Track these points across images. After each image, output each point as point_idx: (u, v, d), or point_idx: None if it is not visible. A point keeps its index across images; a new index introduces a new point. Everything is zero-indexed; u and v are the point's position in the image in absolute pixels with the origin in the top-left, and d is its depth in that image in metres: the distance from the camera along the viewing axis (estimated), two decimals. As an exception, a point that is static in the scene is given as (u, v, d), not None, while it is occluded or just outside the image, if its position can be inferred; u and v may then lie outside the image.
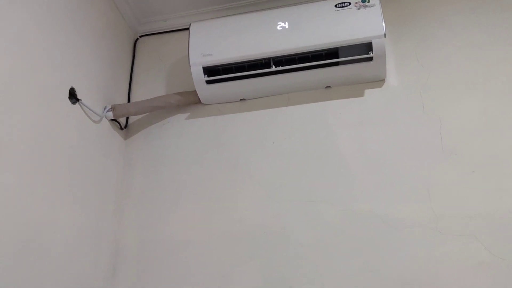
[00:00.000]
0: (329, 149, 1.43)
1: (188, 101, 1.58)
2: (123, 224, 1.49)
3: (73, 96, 1.33)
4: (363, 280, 1.24)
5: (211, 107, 1.60)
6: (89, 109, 1.40)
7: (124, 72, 1.71)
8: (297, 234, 1.34)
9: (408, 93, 1.46)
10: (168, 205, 1.48)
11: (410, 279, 1.22)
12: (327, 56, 1.42)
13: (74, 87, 1.34)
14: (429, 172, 1.33)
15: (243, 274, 1.32)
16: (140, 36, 1.83)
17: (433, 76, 1.47)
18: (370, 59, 1.39)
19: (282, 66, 1.44)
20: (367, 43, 1.37)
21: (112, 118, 1.52)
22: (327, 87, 1.53)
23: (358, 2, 1.40)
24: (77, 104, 1.35)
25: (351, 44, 1.38)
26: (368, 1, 1.39)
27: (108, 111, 1.50)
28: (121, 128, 1.62)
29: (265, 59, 1.44)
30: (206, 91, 1.52)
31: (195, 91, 1.55)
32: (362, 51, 1.39)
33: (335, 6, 1.41)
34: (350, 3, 1.41)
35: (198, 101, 1.59)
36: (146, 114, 1.65)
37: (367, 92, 1.49)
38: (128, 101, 1.70)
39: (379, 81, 1.50)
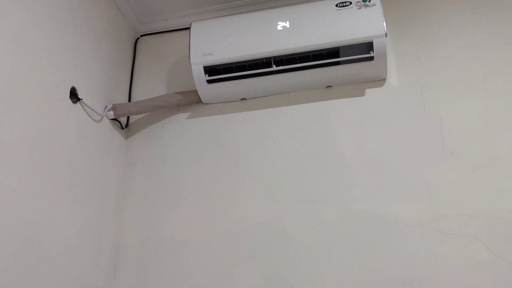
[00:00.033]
0: (329, 149, 1.43)
1: (189, 101, 1.58)
2: (124, 223, 1.49)
3: (74, 95, 1.34)
4: (364, 280, 1.24)
5: (212, 107, 1.61)
6: (90, 108, 1.40)
7: (125, 71, 1.71)
8: (297, 233, 1.34)
9: (408, 92, 1.46)
10: (169, 205, 1.48)
11: (410, 279, 1.22)
12: (328, 56, 1.41)
13: (75, 86, 1.34)
14: (429, 172, 1.33)
15: (244, 274, 1.33)
16: (141, 36, 1.83)
17: (434, 76, 1.46)
18: (371, 58, 1.39)
19: (282, 65, 1.43)
20: (368, 42, 1.37)
21: (113, 117, 1.52)
22: (327, 86, 1.53)
23: (359, 1, 1.40)
24: (78, 103, 1.35)
25: (352, 43, 1.37)
26: (369, 1, 1.39)
27: (109, 110, 1.50)
28: (122, 128, 1.62)
29: (265, 58, 1.44)
30: (207, 90, 1.52)
31: (195, 90, 1.55)
32: (363, 50, 1.39)
33: (336, 5, 1.41)
34: (351, 3, 1.40)
35: (198, 101, 1.59)
36: (146, 113, 1.65)
37: (368, 91, 1.49)
38: (129, 100, 1.70)
39: (380, 81, 1.50)
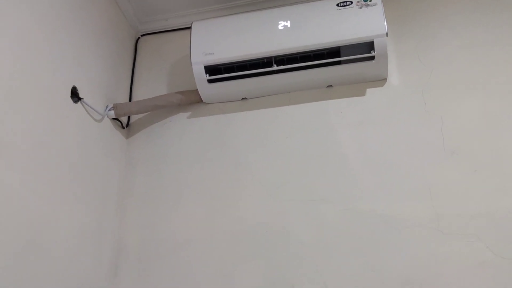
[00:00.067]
0: (330, 149, 1.43)
1: (190, 100, 1.58)
2: (125, 223, 1.49)
3: (75, 95, 1.34)
4: (365, 279, 1.24)
5: (213, 106, 1.61)
6: (91, 108, 1.40)
7: (126, 71, 1.71)
8: (298, 233, 1.34)
9: (409, 92, 1.46)
10: (170, 204, 1.48)
11: (411, 278, 1.22)
12: (329, 55, 1.41)
13: (76, 86, 1.34)
14: (430, 172, 1.33)
15: (245, 273, 1.33)
16: (142, 35, 1.83)
17: (434, 75, 1.46)
18: (372, 58, 1.39)
19: (283, 65, 1.43)
20: (369, 42, 1.37)
21: (114, 117, 1.52)
22: (328, 86, 1.53)
23: (360, 1, 1.40)
24: (79, 103, 1.36)
25: (353, 43, 1.37)
26: (370, 0, 1.39)
27: (109, 110, 1.50)
28: (123, 127, 1.62)
29: (266, 58, 1.44)
30: (207, 90, 1.53)
31: (196, 90, 1.55)
32: (364, 50, 1.39)
33: (337, 5, 1.41)
34: (352, 2, 1.40)
35: (199, 100, 1.59)
36: (147, 113, 1.65)
37: (369, 91, 1.49)
38: (130, 100, 1.70)
39: (380, 80, 1.50)
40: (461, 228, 1.24)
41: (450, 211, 1.27)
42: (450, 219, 1.26)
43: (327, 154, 1.43)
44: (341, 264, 1.28)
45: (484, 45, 1.47)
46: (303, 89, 1.54)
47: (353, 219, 1.32)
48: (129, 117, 1.66)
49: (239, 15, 1.51)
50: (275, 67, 1.44)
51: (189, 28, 1.64)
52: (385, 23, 1.36)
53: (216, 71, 1.48)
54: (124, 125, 1.62)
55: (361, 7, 1.39)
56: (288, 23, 1.43)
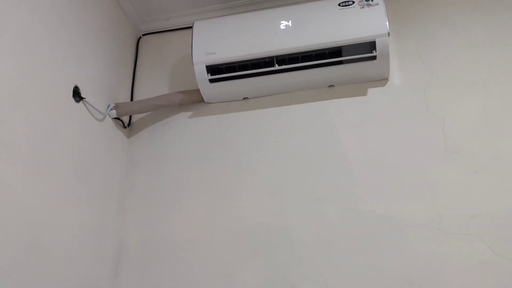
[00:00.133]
0: (332, 148, 1.43)
1: (191, 100, 1.58)
2: (126, 222, 1.49)
3: (77, 94, 1.34)
4: (365, 279, 1.25)
5: (214, 106, 1.61)
6: (92, 107, 1.40)
7: (127, 70, 1.71)
8: (299, 233, 1.34)
9: (411, 92, 1.46)
10: (171, 204, 1.48)
11: (412, 278, 1.22)
12: (331, 55, 1.41)
13: (78, 85, 1.34)
14: (431, 171, 1.33)
15: (245, 273, 1.33)
16: (143, 35, 1.83)
17: (436, 75, 1.46)
18: (374, 58, 1.39)
19: (285, 65, 1.44)
20: (370, 42, 1.37)
21: (116, 116, 1.52)
22: (330, 86, 1.53)
23: (362, 1, 1.40)
24: (80, 102, 1.36)
25: (354, 43, 1.38)
26: (372, 0, 1.39)
27: (111, 109, 1.50)
28: (124, 127, 1.62)
29: (268, 57, 1.44)
30: (209, 89, 1.53)
31: (198, 89, 1.55)
32: (366, 50, 1.39)
33: (339, 5, 1.41)
34: (353, 2, 1.40)
35: (201, 100, 1.59)
36: (149, 112, 1.65)
37: (370, 91, 1.49)
38: (131, 99, 1.71)
39: (382, 80, 1.50)
40: (462, 228, 1.24)
41: (451, 211, 1.27)
42: (451, 219, 1.26)
43: (328, 154, 1.43)
44: (342, 263, 1.28)
45: (485, 44, 1.47)
46: (304, 89, 1.54)
47: (354, 219, 1.32)
48: (130, 117, 1.67)
49: (240, 14, 1.51)
50: (276, 67, 1.44)
51: (190, 27, 1.64)
52: (387, 23, 1.36)
53: (217, 71, 1.48)
54: (126, 124, 1.63)
55: (362, 7, 1.39)
56: (289, 23, 1.43)
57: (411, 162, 1.35)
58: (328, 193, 1.37)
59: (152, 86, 1.71)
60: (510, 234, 1.21)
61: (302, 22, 1.42)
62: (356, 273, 1.26)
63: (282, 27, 1.43)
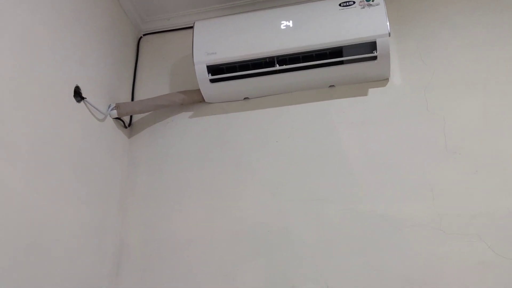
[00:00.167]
0: (332, 148, 1.43)
1: (192, 100, 1.58)
2: (127, 222, 1.49)
3: (78, 94, 1.34)
4: (366, 279, 1.25)
5: (215, 106, 1.61)
6: (93, 107, 1.41)
7: (128, 70, 1.72)
8: (300, 233, 1.34)
9: (411, 92, 1.46)
10: (172, 204, 1.48)
11: (413, 278, 1.22)
12: (331, 55, 1.42)
13: (79, 85, 1.35)
14: (432, 172, 1.33)
15: (246, 273, 1.33)
16: (144, 35, 1.83)
17: (437, 75, 1.47)
18: (374, 58, 1.39)
19: (286, 65, 1.44)
20: (371, 42, 1.37)
21: (116, 116, 1.52)
22: (331, 86, 1.53)
23: (363, 1, 1.40)
24: (81, 102, 1.36)
25: (355, 43, 1.38)
26: (373, 0, 1.39)
27: (112, 109, 1.50)
28: (125, 127, 1.62)
29: (269, 58, 1.44)
30: (210, 89, 1.53)
31: (199, 89, 1.55)
32: (366, 50, 1.39)
33: (339, 5, 1.41)
34: (354, 2, 1.40)
35: (202, 100, 1.60)
36: (150, 112, 1.66)
37: (371, 91, 1.49)
38: (132, 99, 1.71)
39: (382, 80, 1.50)
40: (462, 228, 1.24)
41: (452, 211, 1.27)
42: (451, 219, 1.26)
43: (329, 154, 1.43)
44: (342, 264, 1.28)
45: (485, 44, 1.47)
46: (305, 89, 1.54)
47: (354, 219, 1.32)
48: (131, 117, 1.67)
49: (241, 14, 1.51)
50: (277, 67, 1.44)
51: (191, 27, 1.64)
52: (388, 23, 1.36)
53: (218, 71, 1.48)
54: (126, 124, 1.63)
55: (363, 7, 1.39)
56: (290, 23, 1.43)
57: (412, 162, 1.36)
58: (329, 193, 1.37)
59: (153, 86, 1.71)
60: (511, 234, 1.21)
61: (302, 22, 1.42)
62: (356, 273, 1.26)
63: (282, 27, 1.43)
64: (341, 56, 1.41)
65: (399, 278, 1.23)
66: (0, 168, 0.99)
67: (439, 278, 1.20)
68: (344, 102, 1.50)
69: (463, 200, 1.27)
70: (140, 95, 1.71)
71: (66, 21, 1.32)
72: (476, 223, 1.24)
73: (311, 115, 1.50)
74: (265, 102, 1.56)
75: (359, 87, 1.50)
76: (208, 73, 1.47)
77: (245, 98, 1.59)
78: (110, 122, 1.52)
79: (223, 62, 1.46)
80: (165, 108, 1.61)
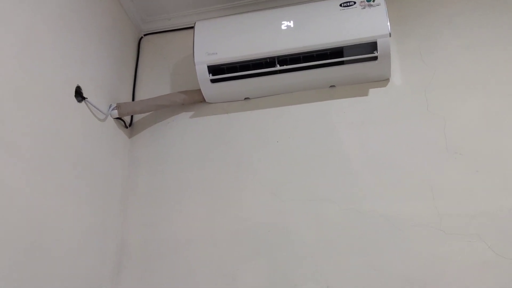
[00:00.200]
0: (333, 148, 1.44)
1: (193, 100, 1.59)
2: (128, 222, 1.50)
3: (79, 94, 1.34)
4: (366, 279, 1.25)
5: (216, 106, 1.61)
6: (94, 107, 1.41)
7: (129, 70, 1.72)
8: (300, 232, 1.35)
9: (412, 92, 1.46)
10: (172, 203, 1.49)
11: (413, 278, 1.22)
12: (332, 55, 1.42)
13: (80, 85, 1.35)
14: (432, 172, 1.33)
15: (246, 273, 1.33)
16: (145, 35, 1.83)
17: (437, 75, 1.47)
18: (375, 58, 1.39)
19: (286, 65, 1.44)
20: (372, 42, 1.37)
21: (117, 116, 1.52)
22: (331, 86, 1.53)
23: (363, 1, 1.40)
24: (83, 102, 1.36)
25: (356, 43, 1.38)
26: (373, 0, 1.39)
27: (113, 109, 1.51)
28: (126, 127, 1.62)
29: (269, 58, 1.44)
30: (210, 89, 1.53)
31: (199, 89, 1.56)
32: (367, 50, 1.39)
33: (340, 5, 1.41)
34: (355, 2, 1.41)
35: (202, 100, 1.60)
36: (150, 112, 1.66)
37: (372, 91, 1.49)
38: (133, 99, 1.71)
39: (383, 81, 1.50)
40: (463, 228, 1.24)
41: (452, 211, 1.27)
42: (452, 219, 1.26)
43: (330, 154, 1.43)
44: (343, 263, 1.28)
45: (486, 45, 1.47)
46: (306, 89, 1.54)
47: (355, 218, 1.33)
48: (132, 117, 1.67)
49: (242, 15, 1.51)
50: (278, 67, 1.44)
51: (192, 27, 1.64)
52: (388, 24, 1.36)
53: (219, 71, 1.48)
54: (127, 124, 1.63)
55: (364, 7, 1.39)
56: (291, 23, 1.43)
57: (412, 162, 1.36)
58: (329, 193, 1.38)
59: (154, 86, 1.71)
60: (511, 234, 1.21)
61: (303, 23, 1.42)
62: (357, 273, 1.26)
63: (283, 27, 1.43)
64: (342, 56, 1.41)
65: (399, 278, 1.23)
66: (1, 168, 0.99)
67: (439, 278, 1.21)
68: (344, 102, 1.50)
69: (464, 200, 1.28)
70: (140, 95, 1.71)
71: (67, 21, 1.32)
72: (476, 223, 1.24)
73: (312, 115, 1.50)
74: (266, 102, 1.56)
75: (360, 87, 1.50)
76: (209, 73, 1.48)
77: (245, 98, 1.59)
78: (111, 122, 1.52)
79: (224, 62, 1.46)
80: (165, 108, 1.61)
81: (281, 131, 1.51)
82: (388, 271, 1.24)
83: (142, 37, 1.83)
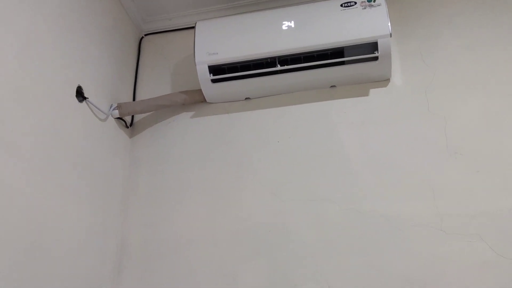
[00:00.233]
0: (333, 148, 1.44)
1: (194, 100, 1.59)
2: (129, 222, 1.50)
3: (80, 94, 1.34)
4: (367, 279, 1.25)
5: (216, 106, 1.61)
6: (95, 107, 1.41)
7: (130, 70, 1.72)
8: (301, 232, 1.35)
9: (413, 92, 1.46)
10: (173, 203, 1.49)
11: (414, 278, 1.22)
12: (333, 56, 1.42)
13: (81, 85, 1.35)
14: (433, 172, 1.33)
15: (247, 273, 1.33)
16: (145, 35, 1.83)
17: (438, 76, 1.47)
18: (376, 58, 1.40)
19: (287, 65, 1.44)
20: (372, 42, 1.37)
21: (118, 116, 1.52)
22: (332, 86, 1.53)
23: (364, 1, 1.40)
24: (84, 102, 1.36)
25: (356, 43, 1.38)
26: (374, 1, 1.39)
27: (114, 109, 1.51)
28: (127, 127, 1.62)
29: (270, 58, 1.44)
30: (211, 90, 1.53)
31: (200, 89, 1.56)
32: (368, 50, 1.39)
33: (341, 5, 1.42)
34: (355, 3, 1.41)
35: (203, 100, 1.60)
36: (151, 112, 1.66)
37: (372, 91, 1.49)
38: (134, 99, 1.71)
39: (384, 81, 1.50)
40: (464, 228, 1.25)
41: (452, 211, 1.27)
42: (452, 219, 1.26)
43: (330, 154, 1.43)
44: (343, 263, 1.28)
45: (487, 45, 1.47)
46: (306, 89, 1.54)
47: (356, 218, 1.33)
48: (132, 117, 1.67)
49: (243, 15, 1.51)
50: (278, 67, 1.44)
51: (192, 27, 1.64)
52: (389, 24, 1.36)
53: (220, 71, 1.48)
54: (128, 124, 1.63)
55: (365, 8, 1.39)
56: (292, 23, 1.43)
57: (413, 162, 1.36)
58: (329, 193, 1.38)
59: (154, 86, 1.71)
60: (511, 234, 1.21)
61: (304, 23, 1.42)
62: (357, 273, 1.26)
63: (284, 27, 1.43)
64: (343, 57, 1.41)
65: (399, 278, 1.23)
66: (1, 168, 0.99)
67: (439, 278, 1.21)
68: (345, 102, 1.50)
69: (464, 200, 1.28)
70: (141, 95, 1.71)
71: (68, 21, 1.33)
72: (477, 223, 1.24)
73: (313, 115, 1.50)
74: (267, 102, 1.57)
75: (360, 88, 1.51)
76: (210, 73, 1.48)
77: (246, 98, 1.59)
78: (111, 122, 1.52)
79: (224, 62, 1.46)
80: (166, 108, 1.61)
81: (282, 131, 1.51)
82: (389, 271, 1.24)
83: (142, 37, 1.83)
